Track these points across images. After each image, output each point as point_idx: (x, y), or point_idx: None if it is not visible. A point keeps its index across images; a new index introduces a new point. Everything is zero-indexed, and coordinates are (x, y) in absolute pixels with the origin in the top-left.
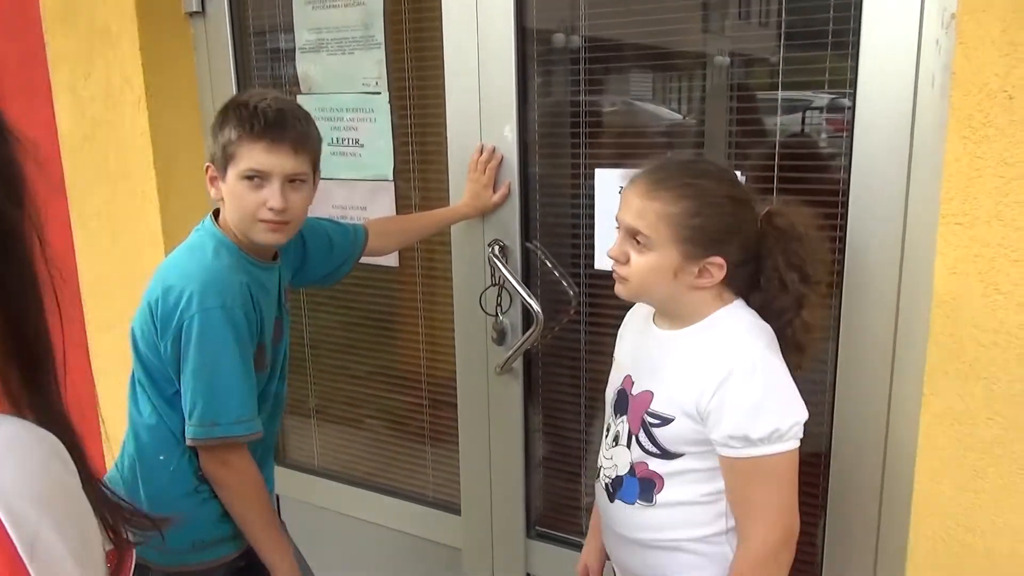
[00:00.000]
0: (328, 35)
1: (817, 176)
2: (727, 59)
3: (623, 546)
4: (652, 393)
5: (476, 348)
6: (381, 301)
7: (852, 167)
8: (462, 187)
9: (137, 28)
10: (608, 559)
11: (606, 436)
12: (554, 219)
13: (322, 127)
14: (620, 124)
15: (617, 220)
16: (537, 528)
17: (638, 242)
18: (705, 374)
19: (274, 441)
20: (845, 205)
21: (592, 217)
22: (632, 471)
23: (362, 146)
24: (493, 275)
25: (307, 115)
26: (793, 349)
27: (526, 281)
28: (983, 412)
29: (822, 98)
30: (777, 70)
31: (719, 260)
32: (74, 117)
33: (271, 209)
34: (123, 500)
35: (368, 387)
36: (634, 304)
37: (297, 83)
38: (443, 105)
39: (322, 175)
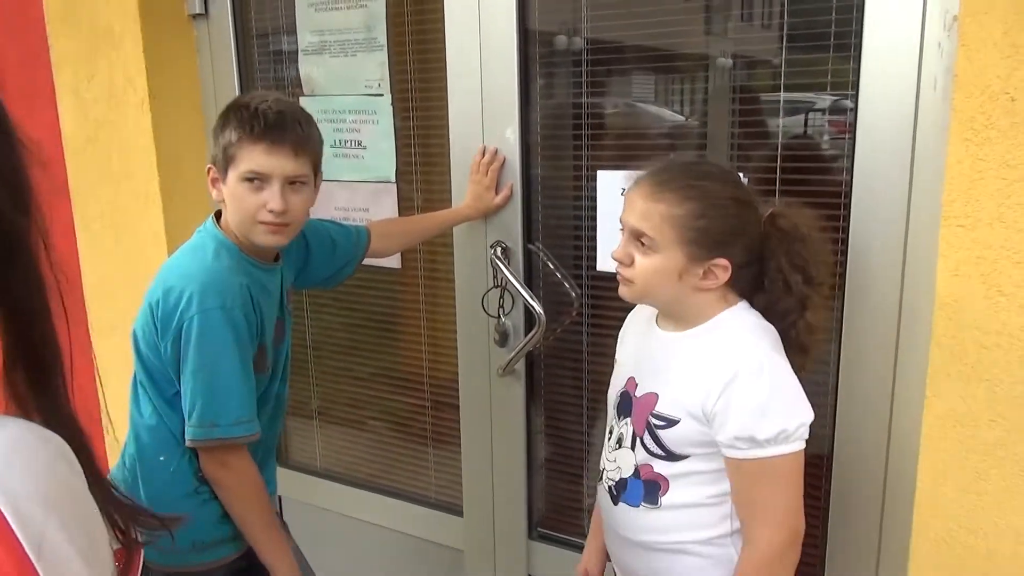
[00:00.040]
0: (331, 37)
1: (819, 178)
2: (730, 61)
3: (627, 549)
4: (657, 395)
5: (478, 350)
6: (383, 303)
7: (854, 169)
8: (464, 189)
9: (140, 30)
10: (609, 561)
11: (609, 438)
12: (556, 221)
13: (324, 129)
14: (622, 126)
15: (621, 222)
16: (539, 529)
17: (643, 244)
18: (711, 375)
19: (276, 442)
20: (847, 207)
21: (594, 219)
22: (637, 473)
23: (364, 148)
24: (495, 277)
25: (308, 117)
26: (797, 350)
27: (528, 283)
28: (985, 414)
29: (824, 100)
30: (779, 72)
31: (724, 262)
32: (77, 119)
33: (271, 211)
34: (131, 500)
35: (370, 388)
36: (635, 306)
37: (300, 85)
38: (445, 107)
39: (324, 177)
